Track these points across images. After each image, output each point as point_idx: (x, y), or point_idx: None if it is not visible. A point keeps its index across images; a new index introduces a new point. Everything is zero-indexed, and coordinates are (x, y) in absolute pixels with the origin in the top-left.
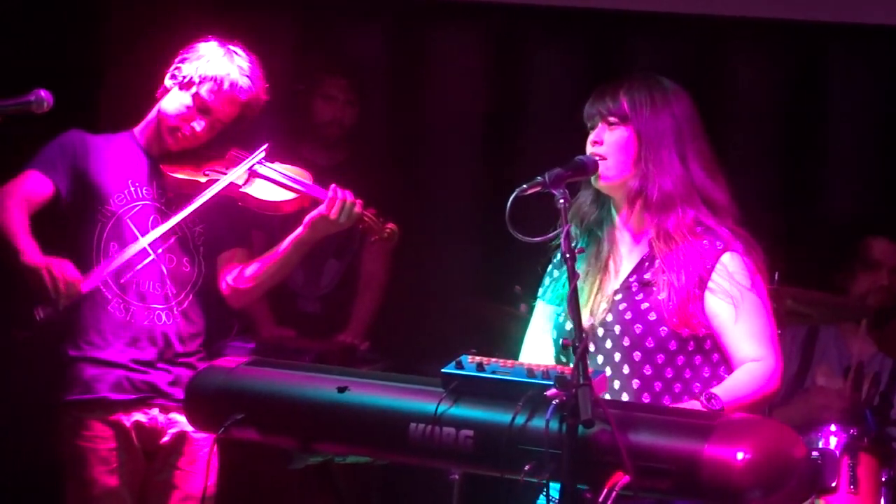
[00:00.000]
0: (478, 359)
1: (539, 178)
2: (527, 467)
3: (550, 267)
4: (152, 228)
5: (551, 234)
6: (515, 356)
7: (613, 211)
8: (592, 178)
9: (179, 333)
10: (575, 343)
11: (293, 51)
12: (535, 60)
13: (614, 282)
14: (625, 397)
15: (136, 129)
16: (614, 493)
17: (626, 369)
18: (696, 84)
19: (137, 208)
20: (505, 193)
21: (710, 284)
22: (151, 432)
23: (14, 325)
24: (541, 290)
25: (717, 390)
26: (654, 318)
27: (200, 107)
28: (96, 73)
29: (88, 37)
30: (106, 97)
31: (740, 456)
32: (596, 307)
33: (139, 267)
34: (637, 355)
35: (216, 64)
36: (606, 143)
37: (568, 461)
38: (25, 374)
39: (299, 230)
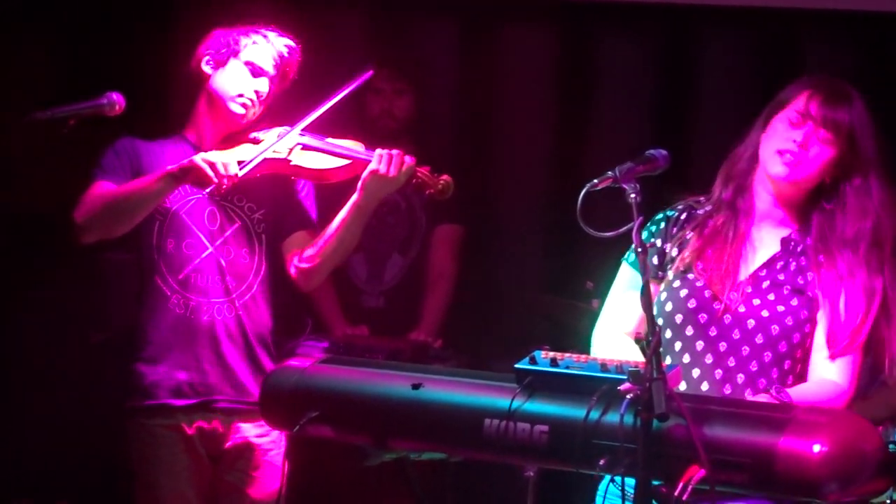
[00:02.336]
0: (551, 354)
1: (610, 173)
2: (601, 462)
3: (647, 233)
4: (208, 221)
5: (623, 229)
6: (588, 352)
7: (763, 201)
8: (771, 167)
9: (242, 327)
10: (648, 337)
11: (364, 50)
12: (604, 55)
13: (743, 269)
14: (749, 394)
15: (186, 131)
16: (690, 487)
17: (754, 366)
18: (769, 76)
19: (192, 202)
20: (575, 186)
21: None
22: (214, 437)
23: (92, 327)
24: (631, 256)
25: (789, 390)
26: (791, 323)
27: (254, 69)
28: (167, 75)
29: (159, 39)
30: (176, 101)
31: (816, 448)
32: (726, 292)
33: (197, 261)
34: (768, 356)
35: (247, 33)
36: (813, 153)
37: (643, 455)
38: (102, 377)
39: (355, 195)
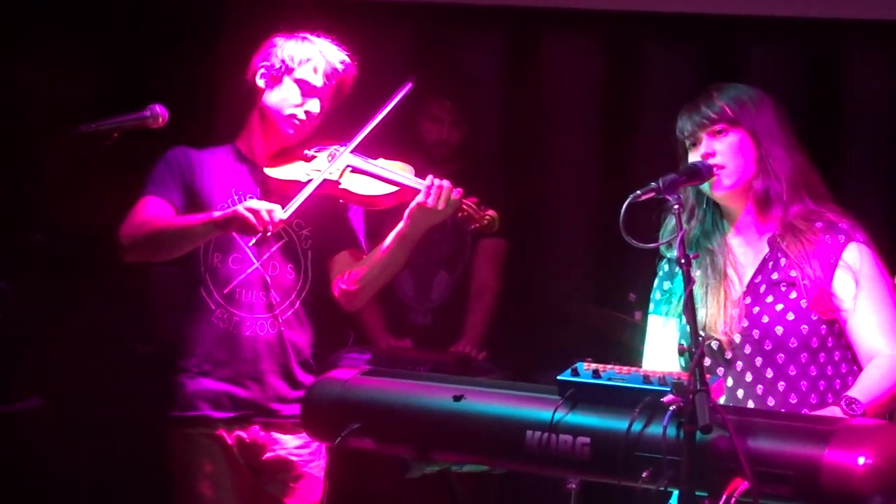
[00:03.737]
0: (593, 366)
1: (653, 184)
2: (644, 474)
3: (658, 280)
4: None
5: (666, 240)
6: (630, 363)
7: (725, 219)
8: (706, 187)
9: (283, 344)
10: (692, 348)
11: (407, 64)
12: (649, 68)
13: (739, 287)
14: (771, 402)
15: (238, 141)
16: (733, 500)
17: (769, 373)
18: (811, 86)
19: None
20: (618, 199)
21: (836, 275)
22: (253, 448)
23: (138, 340)
24: (652, 305)
25: (855, 393)
26: (793, 317)
27: (306, 89)
28: (212, 88)
29: (204, 52)
30: (222, 112)
31: (861, 461)
32: (728, 317)
33: (242, 276)
34: (781, 357)
35: (303, 48)
36: (720, 151)
37: (686, 468)
38: (147, 389)
39: (401, 224)
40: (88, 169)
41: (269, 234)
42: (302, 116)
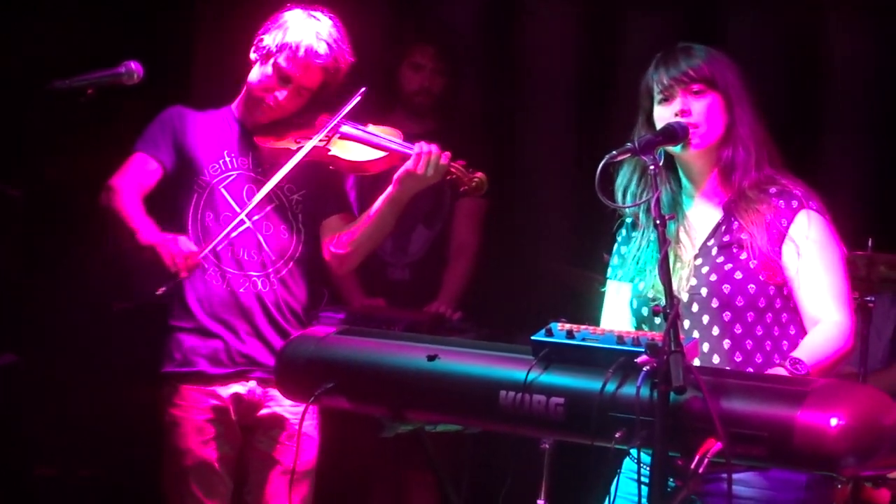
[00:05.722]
0: (567, 326)
1: (629, 145)
2: (618, 435)
3: (617, 245)
4: (247, 197)
5: (641, 201)
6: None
7: (685, 181)
8: (680, 147)
9: (277, 302)
10: (667, 309)
11: (385, 18)
12: (629, 29)
13: (691, 249)
14: (716, 359)
15: (234, 104)
16: (706, 460)
17: (715, 330)
18: (793, 56)
19: (231, 178)
20: (595, 160)
21: (786, 241)
22: (249, 405)
23: (114, 297)
24: (610, 271)
25: (799, 354)
26: (741, 276)
27: (280, 76)
28: (188, 46)
29: (181, 10)
30: (198, 71)
31: (834, 422)
32: (677, 277)
33: (234, 235)
34: (727, 315)
35: (293, 32)
36: (696, 111)
37: (660, 428)
38: (125, 345)
39: (390, 188)
40: (66, 125)
41: (181, 278)
42: (271, 102)
